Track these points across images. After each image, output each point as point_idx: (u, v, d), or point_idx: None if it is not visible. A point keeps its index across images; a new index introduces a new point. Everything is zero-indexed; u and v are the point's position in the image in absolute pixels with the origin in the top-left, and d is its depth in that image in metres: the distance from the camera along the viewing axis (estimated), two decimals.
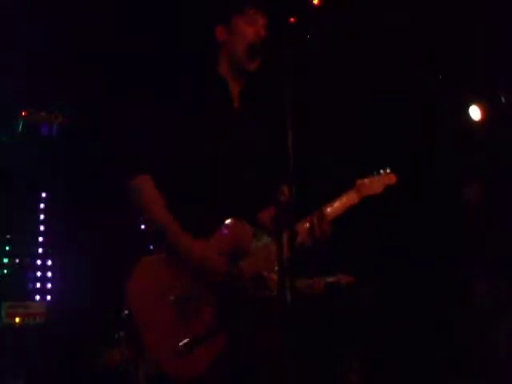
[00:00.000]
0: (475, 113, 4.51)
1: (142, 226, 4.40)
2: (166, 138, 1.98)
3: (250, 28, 2.08)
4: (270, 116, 2.23)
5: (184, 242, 1.88)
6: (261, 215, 2.15)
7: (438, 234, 4.31)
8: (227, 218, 1.94)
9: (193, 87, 2.06)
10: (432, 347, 4.09)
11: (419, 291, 4.28)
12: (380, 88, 4.33)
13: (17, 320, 3.78)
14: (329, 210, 2.11)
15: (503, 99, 4.15)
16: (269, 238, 1.99)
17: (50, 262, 5.01)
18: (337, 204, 2.14)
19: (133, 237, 5.16)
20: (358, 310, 3.65)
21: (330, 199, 2.16)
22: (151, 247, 2.12)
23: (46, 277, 4.96)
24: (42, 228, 5.07)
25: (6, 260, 4.67)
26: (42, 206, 5.13)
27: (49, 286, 4.94)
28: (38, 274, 4.92)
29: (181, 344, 1.79)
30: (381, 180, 2.26)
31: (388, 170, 2.30)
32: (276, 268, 3.33)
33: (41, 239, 5.03)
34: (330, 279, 3.67)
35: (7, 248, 4.80)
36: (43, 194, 5.17)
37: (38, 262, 4.95)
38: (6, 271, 4.57)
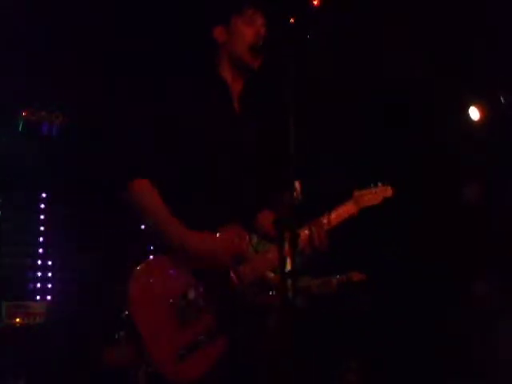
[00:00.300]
0: (475, 113, 4.51)
1: (142, 226, 4.37)
2: (166, 141, 1.96)
3: (249, 29, 2.07)
4: (270, 117, 2.23)
5: (191, 237, 1.86)
6: (258, 219, 2.14)
7: (437, 235, 4.32)
8: (227, 221, 1.94)
9: (193, 89, 2.05)
10: (432, 347, 4.10)
11: (418, 291, 4.28)
12: (379, 88, 4.33)
13: (17, 320, 3.78)
14: (327, 219, 2.13)
15: (503, 100, 4.15)
16: (267, 243, 1.99)
17: (50, 262, 5.02)
18: (335, 214, 2.15)
19: (133, 237, 5.17)
20: (357, 310, 3.65)
21: (329, 208, 2.18)
22: (151, 248, 2.12)
23: (47, 277, 4.97)
24: (42, 228, 5.08)
25: (6, 260, 4.68)
26: (42, 206, 5.14)
27: (49, 286, 4.95)
28: (39, 274, 4.93)
29: (180, 347, 1.79)
30: (378, 192, 2.29)
31: (382, 183, 2.33)
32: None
33: (41, 239, 5.04)
34: (341, 277, 3.66)
35: (7, 248, 4.81)
36: (43, 195, 5.18)
37: (39, 262, 4.96)
38: (6, 271, 4.57)
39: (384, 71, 4.25)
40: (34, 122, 4.47)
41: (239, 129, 2.10)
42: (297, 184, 3.52)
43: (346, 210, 2.18)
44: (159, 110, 2.05)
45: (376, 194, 2.28)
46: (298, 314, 3.18)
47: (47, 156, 4.76)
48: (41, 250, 5.00)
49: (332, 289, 3.59)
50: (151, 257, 1.94)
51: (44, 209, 5.14)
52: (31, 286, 4.79)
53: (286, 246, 1.71)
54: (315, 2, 4.04)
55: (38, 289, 4.86)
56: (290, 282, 3.48)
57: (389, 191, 2.32)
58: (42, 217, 5.11)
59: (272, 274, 3.37)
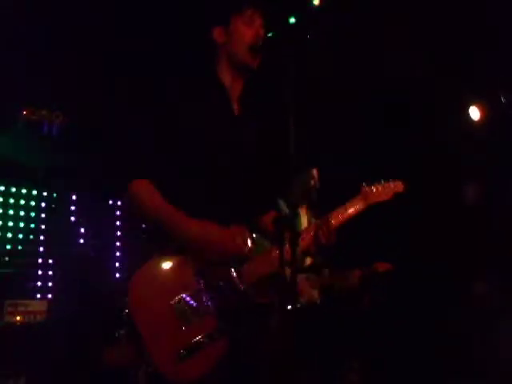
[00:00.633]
0: (475, 113, 4.51)
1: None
2: (165, 141, 1.96)
3: (249, 29, 2.06)
4: (270, 117, 2.23)
5: (196, 226, 1.86)
6: (262, 219, 2.13)
7: (437, 235, 4.32)
8: (227, 221, 1.93)
9: (192, 89, 2.04)
10: (432, 347, 4.10)
11: (419, 291, 4.28)
12: (380, 88, 4.32)
13: (18, 318, 3.79)
14: (334, 217, 2.11)
15: (503, 99, 4.14)
16: (269, 244, 1.99)
17: (50, 261, 5.03)
18: (342, 211, 2.13)
19: (134, 237, 5.19)
20: (358, 310, 3.64)
21: (335, 205, 2.17)
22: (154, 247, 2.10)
23: (47, 275, 4.98)
24: (43, 227, 5.10)
25: (7, 258, 4.69)
26: (43, 204, 5.16)
27: (50, 284, 4.97)
28: (39, 272, 4.94)
29: (181, 348, 1.79)
30: (388, 187, 2.26)
31: (393, 179, 2.31)
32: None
33: (42, 237, 5.06)
34: (365, 269, 3.62)
35: (8, 246, 4.82)
36: (44, 193, 5.19)
37: (39, 260, 4.98)
38: (7, 270, 4.58)
39: (384, 71, 4.25)
40: (34, 120, 4.47)
41: (239, 129, 2.09)
42: (314, 172, 3.53)
43: (354, 206, 2.16)
44: (158, 111, 2.05)
45: (386, 190, 2.25)
46: (300, 313, 3.20)
47: (48, 155, 4.77)
48: (42, 249, 5.02)
49: (354, 282, 3.58)
50: (154, 258, 1.92)
51: (45, 207, 5.15)
52: (32, 284, 4.81)
53: (287, 246, 1.71)
54: (316, 3, 4.04)
55: (39, 287, 4.88)
56: (310, 277, 3.51)
57: (400, 186, 2.29)
58: (43, 215, 5.13)
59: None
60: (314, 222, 2.09)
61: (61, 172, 5.03)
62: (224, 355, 1.82)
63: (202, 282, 1.87)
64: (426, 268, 4.26)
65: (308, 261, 3.57)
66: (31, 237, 5.00)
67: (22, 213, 5.05)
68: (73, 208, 5.30)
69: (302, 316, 3.24)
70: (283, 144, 1.71)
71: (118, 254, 5.39)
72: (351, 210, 2.15)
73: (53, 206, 5.06)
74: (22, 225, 5.01)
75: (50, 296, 4.85)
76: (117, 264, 5.34)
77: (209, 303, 1.85)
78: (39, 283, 4.88)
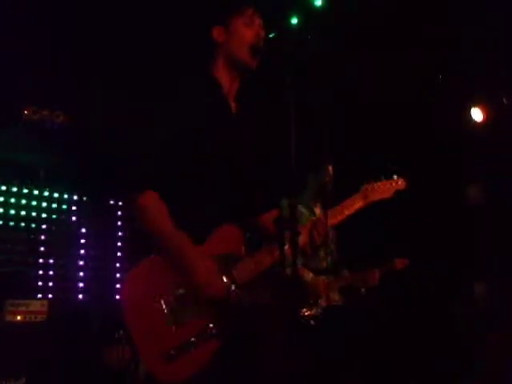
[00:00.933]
0: (477, 114, 4.51)
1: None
2: (170, 148, 1.94)
3: (249, 30, 2.05)
4: (268, 116, 2.22)
5: (192, 261, 1.83)
6: (262, 218, 2.11)
7: (439, 236, 4.31)
8: (224, 220, 1.93)
9: (190, 91, 2.02)
10: (435, 348, 4.09)
11: (421, 292, 4.28)
12: (381, 90, 4.32)
13: (18, 318, 3.79)
14: (331, 215, 2.08)
15: (505, 101, 4.14)
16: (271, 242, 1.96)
17: (51, 261, 5.05)
18: (340, 209, 2.10)
19: (134, 237, 5.19)
20: (360, 314, 3.61)
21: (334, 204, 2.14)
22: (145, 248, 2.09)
23: (48, 275, 4.99)
24: (44, 226, 5.11)
25: (8, 258, 4.70)
26: (44, 204, 5.17)
27: (50, 284, 4.98)
28: (40, 272, 4.95)
29: (171, 348, 1.78)
30: (389, 185, 2.21)
31: (395, 176, 2.25)
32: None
33: (42, 237, 5.07)
34: (384, 267, 3.59)
35: (9, 246, 4.83)
36: (45, 193, 5.20)
37: (40, 260, 4.99)
38: (8, 269, 4.59)
39: (386, 72, 4.24)
40: (35, 120, 4.48)
41: (236, 127, 2.08)
42: (330, 168, 3.52)
43: (352, 204, 2.12)
44: (159, 118, 2.03)
45: (387, 187, 2.19)
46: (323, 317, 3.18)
47: (49, 155, 4.78)
48: (43, 249, 5.03)
49: (375, 280, 3.55)
50: (148, 258, 1.91)
51: (46, 207, 5.17)
52: (33, 284, 4.82)
53: (287, 245, 1.70)
54: (318, 3, 4.04)
55: (40, 287, 4.89)
56: (329, 278, 3.50)
57: (402, 183, 2.22)
58: (44, 215, 5.14)
59: (310, 275, 3.37)
60: (309, 222, 2.06)
61: (62, 172, 5.05)
62: (215, 357, 1.81)
63: (193, 282, 1.84)
64: (427, 269, 4.26)
65: (326, 263, 3.57)
66: (32, 236, 5.01)
67: (22, 212, 5.06)
68: (74, 208, 5.31)
69: (324, 319, 3.23)
70: (282, 142, 1.70)
71: (119, 254, 5.41)
72: (350, 209, 2.11)
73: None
74: (22, 224, 5.02)
75: (50, 296, 4.87)
76: (117, 265, 5.35)
77: (200, 304, 1.83)
78: (40, 283, 4.89)
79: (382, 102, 4.44)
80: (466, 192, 4.53)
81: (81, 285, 5.09)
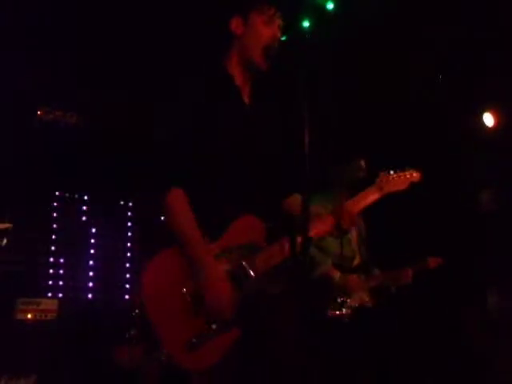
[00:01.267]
0: (489, 119, 4.49)
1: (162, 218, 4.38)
2: (195, 146, 1.96)
3: (268, 29, 2.06)
4: (282, 112, 2.23)
5: (208, 269, 1.85)
6: (284, 204, 2.15)
7: (453, 242, 4.28)
8: (242, 211, 1.95)
9: (206, 87, 2.03)
10: (443, 356, 4.06)
11: (431, 299, 4.25)
12: (391, 93, 4.31)
13: (29, 316, 3.81)
14: (350, 205, 2.12)
15: None
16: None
17: (62, 260, 5.07)
18: (357, 200, 2.15)
19: (146, 234, 5.21)
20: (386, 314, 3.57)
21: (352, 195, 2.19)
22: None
23: (58, 274, 5.02)
24: (54, 226, 5.14)
25: (19, 257, 4.72)
26: (55, 204, 5.19)
27: (61, 283, 5.00)
28: (51, 271, 4.98)
29: (193, 336, 1.80)
30: (404, 177, 2.25)
31: (410, 168, 2.29)
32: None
33: (53, 237, 5.09)
34: (417, 266, 3.58)
35: (20, 245, 4.86)
36: (57, 193, 5.23)
37: (51, 259, 5.01)
38: (18, 268, 4.61)
39: (397, 74, 4.24)
40: (49, 121, 4.52)
41: (251, 122, 2.09)
42: (362, 162, 3.55)
43: (368, 196, 2.17)
44: (174, 115, 2.04)
45: (401, 179, 2.23)
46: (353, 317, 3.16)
47: (62, 155, 4.81)
48: (53, 248, 5.06)
49: (408, 279, 3.55)
50: (166, 249, 1.93)
51: (57, 207, 5.19)
52: (43, 283, 4.84)
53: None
54: (329, 7, 4.06)
55: (50, 286, 4.92)
56: (360, 277, 3.49)
57: (416, 176, 2.27)
58: (55, 215, 5.17)
59: (338, 274, 3.37)
60: (330, 211, 2.09)
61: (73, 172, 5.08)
62: (236, 345, 1.83)
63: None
64: (439, 274, 4.23)
65: (356, 261, 3.58)
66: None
67: None
68: (84, 208, 5.34)
69: (354, 320, 3.22)
70: (295, 136, 1.72)
71: (129, 254, 5.42)
72: (366, 199, 2.16)
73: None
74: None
75: (60, 295, 4.89)
76: (127, 265, 5.36)
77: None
78: (50, 282, 4.91)
79: (393, 106, 4.44)
80: (478, 198, 4.50)
81: (90, 284, 5.10)
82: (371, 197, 2.17)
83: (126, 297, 4.89)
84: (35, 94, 4.29)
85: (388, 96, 4.36)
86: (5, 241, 3.43)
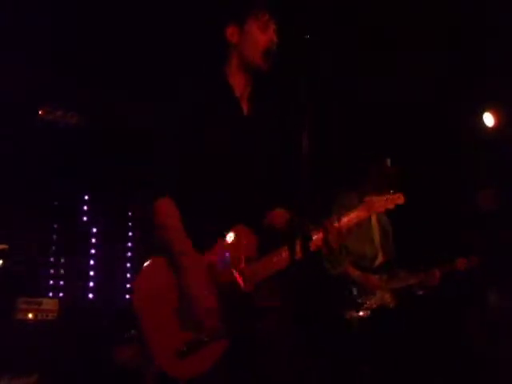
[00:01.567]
0: (489, 119, 4.50)
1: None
2: (185, 154, 1.96)
3: (264, 35, 2.06)
4: (281, 118, 2.23)
5: (193, 279, 1.86)
6: (269, 216, 2.13)
7: (451, 241, 4.28)
8: (236, 222, 1.95)
9: (204, 95, 2.03)
10: (445, 354, 4.06)
11: (432, 299, 4.25)
12: (391, 94, 4.32)
13: (30, 316, 3.82)
14: (338, 223, 2.11)
15: None
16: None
17: (63, 260, 5.08)
18: (346, 219, 2.15)
19: (145, 236, 5.21)
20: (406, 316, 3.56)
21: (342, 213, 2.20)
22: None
23: (59, 274, 5.02)
24: (55, 226, 5.14)
25: (20, 257, 4.73)
26: (55, 203, 5.20)
27: (61, 283, 5.01)
28: (51, 271, 4.99)
29: (182, 344, 1.80)
30: (390, 199, 2.32)
31: (394, 191, 2.36)
32: None
33: (54, 237, 5.10)
34: (445, 267, 3.59)
35: (20, 245, 4.86)
36: (57, 193, 5.24)
37: (52, 259, 5.02)
38: (19, 268, 4.62)
39: (398, 74, 4.24)
40: (50, 120, 4.52)
41: (249, 129, 2.09)
42: (388, 161, 3.58)
43: (357, 215, 2.19)
44: (170, 121, 2.03)
45: (387, 201, 2.31)
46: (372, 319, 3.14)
47: (60, 156, 4.82)
48: (54, 248, 5.07)
49: (436, 280, 3.55)
50: (159, 255, 1.93)
51: (58, 206, 5.20)
52: (44, 282, 4.85)
53: (298, 248, 1.72)
54: (328, 11, 4.05)
55: (51, 286, 4.93)
56: (382, 278, 3.49)
57: (401, 199, 2.34)
58: (55, 214, 5.18)
59: (357, 273, 3.37)
60: (321, 227, 2.10)
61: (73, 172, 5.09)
62: (225, 355, 1.83)
63: (206, 281, 1.87)
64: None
65: (378, 260, 3.58)
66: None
67: None
68: (85, 208, 5.35)
69: (372, 322, 3.22)
70: (295, 144, 1.72)
71: (129, 254, 5.43)
72: (354, 218, 2.18)
73: None
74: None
75: (61, 295, 4.90)
76: (128, 265, 5.37)
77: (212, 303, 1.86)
78: (51, 282, 4.92)
79: (393, 106, 4.44)
80: (477, 198, 4.51)
81: (91, 284, 5.11)
82: (359, 216, 2.20)
83: (127, 297, 4.90)
84: (35, 93, 4.30)
85: (388, 96, 4.35)
86: (0, 262, 3.46)
